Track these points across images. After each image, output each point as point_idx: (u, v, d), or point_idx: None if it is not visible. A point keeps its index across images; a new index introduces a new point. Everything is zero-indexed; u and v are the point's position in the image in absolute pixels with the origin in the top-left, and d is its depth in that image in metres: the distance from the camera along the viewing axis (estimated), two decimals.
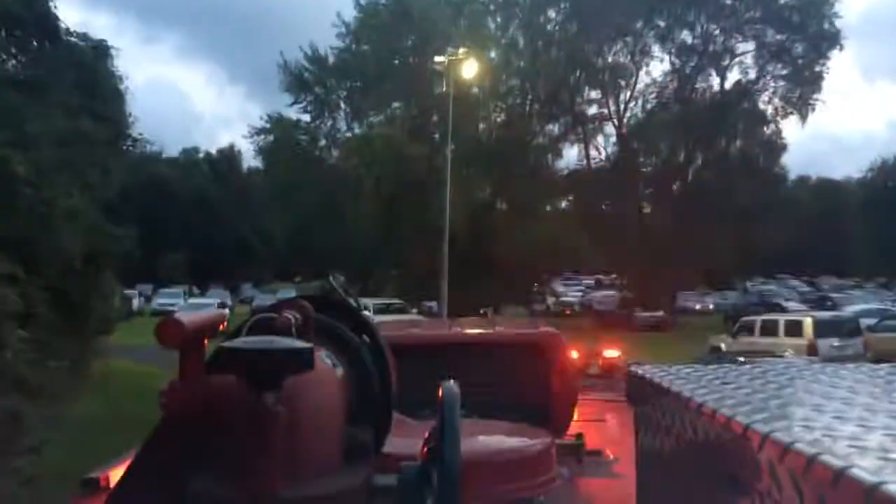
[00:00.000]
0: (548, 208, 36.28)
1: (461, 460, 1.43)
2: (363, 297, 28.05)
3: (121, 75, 15.06)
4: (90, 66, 13.32)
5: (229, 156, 67.75)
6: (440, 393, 1.55)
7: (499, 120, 34.35)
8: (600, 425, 4.36)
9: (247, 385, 1.23)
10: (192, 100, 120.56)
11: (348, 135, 32.93)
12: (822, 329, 17.43)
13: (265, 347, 1.25)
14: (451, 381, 1.58)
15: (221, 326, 1.42)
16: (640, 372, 2.15)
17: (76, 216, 11.79)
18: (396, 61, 30.27)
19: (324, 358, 1.53)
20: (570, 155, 42.17)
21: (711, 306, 47.26)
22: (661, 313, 35.10)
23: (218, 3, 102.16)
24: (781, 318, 18.97)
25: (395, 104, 31.96)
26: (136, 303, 38.73)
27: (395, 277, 32.65)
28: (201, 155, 72.28)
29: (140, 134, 17.09)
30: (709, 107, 38.77)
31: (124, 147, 15.90)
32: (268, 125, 32.67)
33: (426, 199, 29.35)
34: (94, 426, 12.30)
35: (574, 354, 4.87)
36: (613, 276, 45.01)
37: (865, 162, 69.56)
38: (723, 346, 19.12)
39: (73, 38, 13.98)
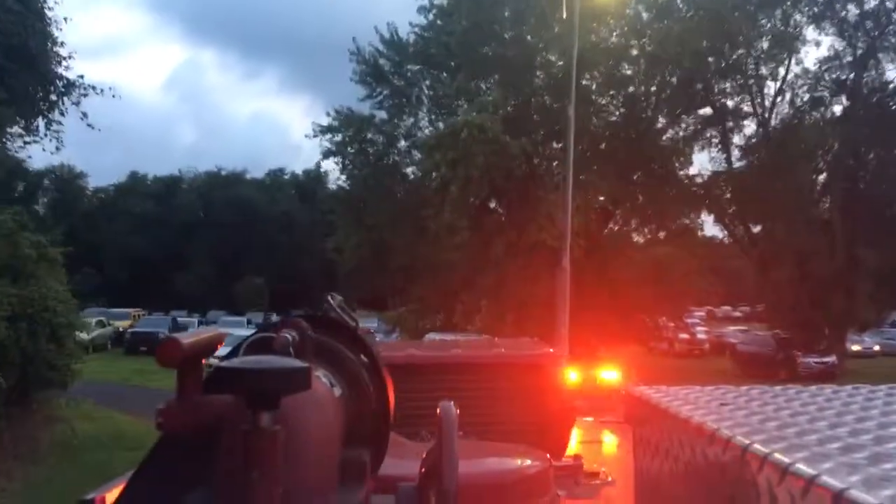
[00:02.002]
0: (685, 221, 29.15)
1: (458, 481, 1.43)
2: (445, 333, 22.41)
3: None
4: None
5: (316, 177, 63.94)
6: (438, 413, 1.56)
7: (617, 113, 27.71)
8: (598, 446, 4.44)
9: (243, 405, 1.19)
10: (291, 131, 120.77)
11: (429, 132, 27.08)
12: None
13: (261, 367, 1.21)
14: (450, 402, 1.58)
15: (219, 346, 1.35)
16: (637, 393, 2.30)
17: None
18: (489, 37, 24.27)
19: (321, 378, 1.50)
20: (700, 160, 35.16)
21: (877, 347, 38.82)
22: (832, 358, 27.41)
23: (316, 37, 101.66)
24: None
25: (488, 92, 25.82)
26: None
27: (485, 307, 26.25)
28: (287, 177, 69.12)
29: (90, 86, 11.48)
30: (881, 100, 31.22)
31: (59, 101, 10.51)
32: (335, 122, 27.18)
33: (527, 209, 23.30)
34: None
35: (572, 375, 4.92)
36: (726, 307, 38.61)
37: None
38: None
39: None
